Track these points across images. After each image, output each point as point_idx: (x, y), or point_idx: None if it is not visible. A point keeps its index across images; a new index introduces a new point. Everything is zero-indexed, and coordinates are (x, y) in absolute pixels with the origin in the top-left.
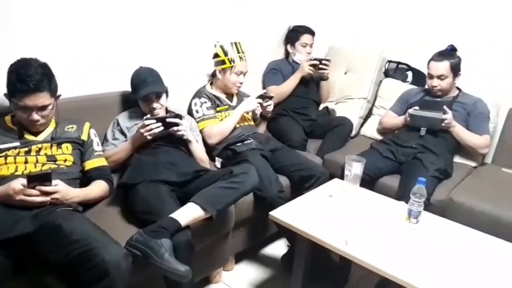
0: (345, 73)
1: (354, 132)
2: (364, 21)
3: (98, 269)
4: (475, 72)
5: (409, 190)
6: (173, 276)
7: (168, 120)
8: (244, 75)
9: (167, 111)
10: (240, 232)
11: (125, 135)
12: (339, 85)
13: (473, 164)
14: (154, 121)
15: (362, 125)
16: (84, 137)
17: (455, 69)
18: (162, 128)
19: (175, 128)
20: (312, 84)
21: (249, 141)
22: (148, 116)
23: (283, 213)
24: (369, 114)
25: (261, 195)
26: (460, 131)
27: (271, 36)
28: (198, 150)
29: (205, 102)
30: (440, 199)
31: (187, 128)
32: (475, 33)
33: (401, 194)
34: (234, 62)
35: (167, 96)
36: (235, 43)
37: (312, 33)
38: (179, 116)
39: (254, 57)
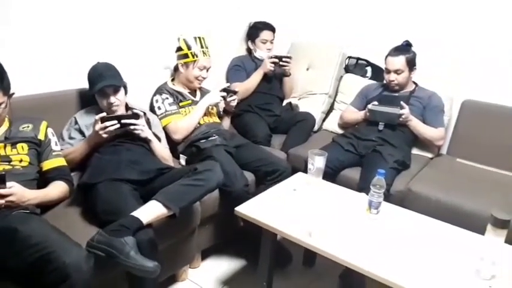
0: (307, 69)
1: (316, 127)
2: (325, 18)
3: (59, 272)
4: (430, 66)
5: (370, 182)
6: (141, 273)
7: (123, 121)
8: (207, 70)
9: (128, 108)
10: (206, 229)
11: (83, 133)
12: (302, 81)
13: (429, 155)
14: (111, 120)
15: (324, 120)
16: (41, 136)
17: (411, 64)
18: (117, 126)
19: (131, 127)
20: (275, 81)
21: (213, 137)
22: (104, 113)
23: (248, 209)
24: (331, 109)
25: (226, 190)
26: (417, 125)
27: (234, 32)
28: (160, 149)
29: (167, 98)
30: (399, 190)
31: (145, 127)
32: (428, 29)
33: (362, 186)
34: (197, 57)
35: (126, 92)
36: (199, 38)
37: (272, 29)
38: (136, 115)
39: (218, 54)
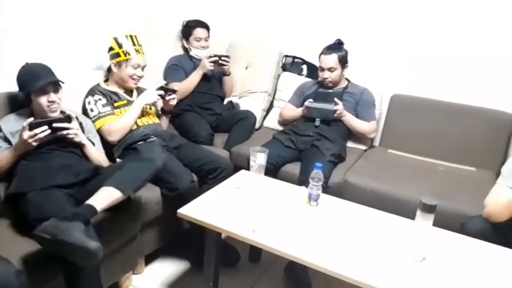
0: (246, 68)
1: (257, 125)
2: (261, 17)
3: None
4: (361, 64)
5: (309, 175)
6: (83, 253)
7: (54, 125)
8: (142, 69)
9: (60, 111)
10: (149, 233)
11: (8, 141)
12: (241, 80)
13: (363, 147)
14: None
15: (265, 118)
16: None
17: (343, 61)
18: (48, 131)
19: (64, 132)
20: (214, 80)
21: (151, 139)
22: (31, 119)
23: (191, 210)
24: (271, 106)
25: (172, 188)
26: (350, 120)
27: (170, 31)
28: (95, 153)
29: (100, 99)
30: (337, 181)
31: (78, 131)
32: (359, 29)
33: (303, 180)
34: (129, 55)
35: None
36: (131, 35)
37: (205, 26)
38: (68, 118)
39: (154, 53)
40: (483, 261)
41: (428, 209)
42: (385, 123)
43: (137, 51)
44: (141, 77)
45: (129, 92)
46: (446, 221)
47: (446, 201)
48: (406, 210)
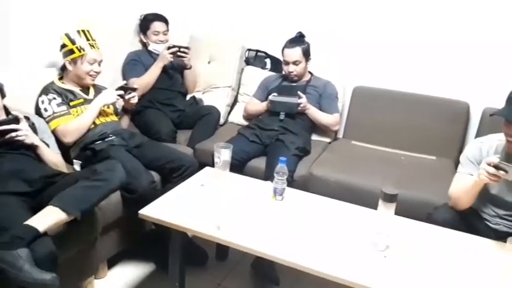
0: (209, 62)
1: (222, 120)
2: (223, 10)
3: None
4: (323, 56)
5: (274, 170)
6: (38, 287)
7: (0, 128)
8: (99, 64)
9: (8, 113)
10: (110, 236)
11: None
12: (204, 74)
13: (327, 140)
14: None
15: (229, 113)
16: None
17: (307, 54)
18: None
19: (13, 134)
20: (176, 76)
21: (110, 138)
22: None
23: (153, 210)
24: (235, 101)
25: (131, 189)
26: (314, 112)
27: (128, 26)
28: (49, 155)
29: (54, 98)
30: (302, 175)
31: (29, 132)
32: (320, 21)
33: (268, 174)
34: (84, 50)
35: (3, 96)
36: (83, 31)
37: (163, 20)
38: (16, 119)
39: (112, 48)
40: (447, 248)
41: (390, 198)
42: (348, 116)
43: (92, 46)
44: (98, 73)
45: (85, 89)
46: (410, 210)
47: (408, 190)
48: (370, 200)
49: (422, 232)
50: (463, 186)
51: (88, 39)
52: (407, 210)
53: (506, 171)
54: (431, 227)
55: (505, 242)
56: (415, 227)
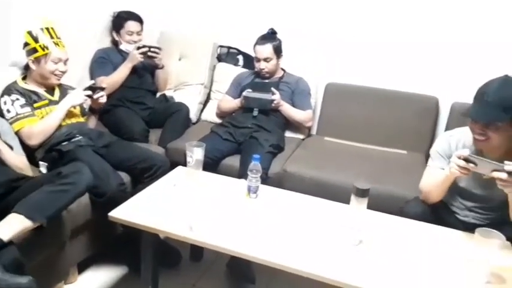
0: (179, 59)
1: (195, 118)
2: (193, 6)
3: None
4: (296, 53)
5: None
6: None
7: None
8: (64, 63)
9: None
10: (79, 239)
11: None
12: (175, 72)
13: (301, 136)
14: None
15: (202, 110)
16: None
17: (278, 51)
18: None
19: None
20: (146, 75)
21: (77, 138)
22: None
23: (124, 212)
24: (208, 99)
25: (99, 192)
26: (287, 109)
27: (95, 22)
28: (13, 158)
29: (18, 99)
30: (276, 172)
31: None
32: (292, 18)
33: (242, 172)
34: (48, 49)
35: None
36: (47, 28)
37: (138, 19)
38: None
39: (78, 46)
40: (419, 241)
41: (362, 193)
42: (321, 112)
43: (56, 44)
44: (64, 72)
45: (50, 90)
46: (382, 204)
47: (380, 184)
48: (343, 195)
49: (394, 226)
50: (434, 180)
51: (52, 37)
52: (380, 204)
53: (475, 164)
54: (403, 221)
55: (474, 233)
56: (387, 221)
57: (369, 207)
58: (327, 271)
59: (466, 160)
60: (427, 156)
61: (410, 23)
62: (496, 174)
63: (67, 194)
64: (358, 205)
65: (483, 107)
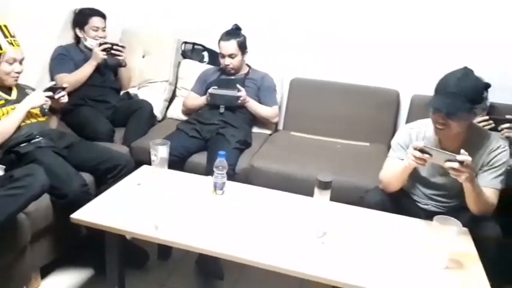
0: (143, 56)
1: (160, 116)
2: (156, 2)
3: None
4: (260, 49)
5: None
6: None
7: None
8: (20, 62)
9: None
10: (40, 243)
11: None
12: (139, 69)
13: (268, 132)
14: None
15: (168, 108)
16: None
17: (242, 47)
18: None
19: None
20: (108, 73)
21: (36, 139)
22: None
23: (86, 213)
24: (173, 96)
25: (60, 194)
26: (253, 105)
27: (55, 19)
28: None
29: None
30: (244, 167)
31: None
32: (256, 13)
33: (209, 169)
34: (1, 49)
35: None
36: (0, 26)
37: (102, 15)
38: None
39: (37, 43)
40: (381, 230)
41: (324, 185)
42: (287, 107)
43: (10, 43)
44: (20, 72)
45: (7, 89)
46: (346, 195)
47: (344, 176)
48: (309, 188)
49: (357, 216)
50: (393, 170)
51: (6, 36)
52: (344, 195)
53: (430, 155)
54: (365, 211)
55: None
56: (350, 212)
57: (334, 198)
58: (292, 264)
59: (422, 151)
60: (389, 147)
61: (371, 21)
62: (448, 164)
63: (19, 198)
64: (321, 197)
65: (446, 97)
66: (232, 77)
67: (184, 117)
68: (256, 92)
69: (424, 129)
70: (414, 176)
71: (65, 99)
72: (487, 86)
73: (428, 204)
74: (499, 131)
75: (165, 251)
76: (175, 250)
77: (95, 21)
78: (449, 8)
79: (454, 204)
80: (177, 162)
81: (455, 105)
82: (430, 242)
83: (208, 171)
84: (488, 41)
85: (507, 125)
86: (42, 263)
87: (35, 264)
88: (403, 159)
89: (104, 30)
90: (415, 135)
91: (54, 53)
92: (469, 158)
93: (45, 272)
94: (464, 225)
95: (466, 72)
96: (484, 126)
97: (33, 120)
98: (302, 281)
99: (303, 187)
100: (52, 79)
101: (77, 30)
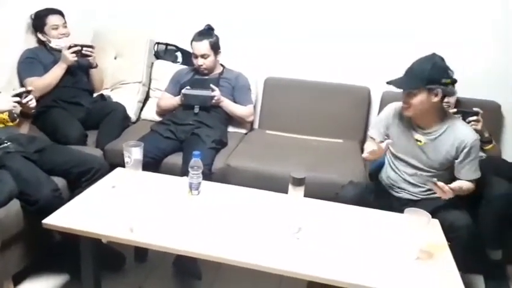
0: (115, 58)
1: (134, 117)
2: (127, 2)
3: None
4: (233, 48)
5: None
6: None
7: None
8: None
9: None
10: (12, 250)
11: None
12: (111, 71)
13: (243, 131)
14: None
15: (142, 109)
16: None
17: (215, 47)
18: None
19: None
20: (80, 74)
21: (5, 144)
22: None
23: (59, 218)
24: (147, 97)
25: (31, 200)
26: (228, 105)
27: (21, 22)
28: None
29: None
30: (220, 167)
31: None
32: (228, 14)
33: (185, 170)
34: None
35: None
36: None
37: (58, 12)
38: None
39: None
40: (354, 224)
41: (298, 182)
42: (262, 106)
43: None
44: None
45: None
46: (320, 191)
47: (318, 172)
48: (284, 186)
49: (331, 211)
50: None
51: None
52: (318, 191)
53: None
54: (339, 206)
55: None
56: (324, 207)
57: (309, 195)
58: (268, 261)
59: None
60: (362, 143)
61: (342, 20)
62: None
63: None
64: (296, 194)
65: (406, 77)
66: (206, 77)
67: (158, 118)
68: (230, 91)
69: (399, 108)
70: (393, 158)
71: (33, 103)
72: (453, 81)
73: (401, 192)
74: (467, 123)
75: (141, 253)
76: (152, 252)
77: (52, 19)
78: (417, 7)
79: (427, 190)
80: (152, 163)
81: (406, 82)
82: (401, 235)
83: (184, 172)
84: (458, 39)
85: (474, 117)
86: (14, 271)
87: (7, 271)
88: (374, 138)
89: (65, 27)
90: (392, 113)
91: (21, 57)
92: (450, 191)
93: (18, 280)
94: (435, 215)
95: (432, 56)
96: None
97: (1, 126)
98: (282, 278)
99: (279, 185)
100: (21, 83)
101: (39, 35)
